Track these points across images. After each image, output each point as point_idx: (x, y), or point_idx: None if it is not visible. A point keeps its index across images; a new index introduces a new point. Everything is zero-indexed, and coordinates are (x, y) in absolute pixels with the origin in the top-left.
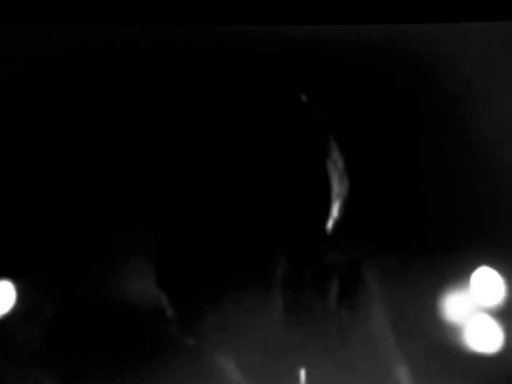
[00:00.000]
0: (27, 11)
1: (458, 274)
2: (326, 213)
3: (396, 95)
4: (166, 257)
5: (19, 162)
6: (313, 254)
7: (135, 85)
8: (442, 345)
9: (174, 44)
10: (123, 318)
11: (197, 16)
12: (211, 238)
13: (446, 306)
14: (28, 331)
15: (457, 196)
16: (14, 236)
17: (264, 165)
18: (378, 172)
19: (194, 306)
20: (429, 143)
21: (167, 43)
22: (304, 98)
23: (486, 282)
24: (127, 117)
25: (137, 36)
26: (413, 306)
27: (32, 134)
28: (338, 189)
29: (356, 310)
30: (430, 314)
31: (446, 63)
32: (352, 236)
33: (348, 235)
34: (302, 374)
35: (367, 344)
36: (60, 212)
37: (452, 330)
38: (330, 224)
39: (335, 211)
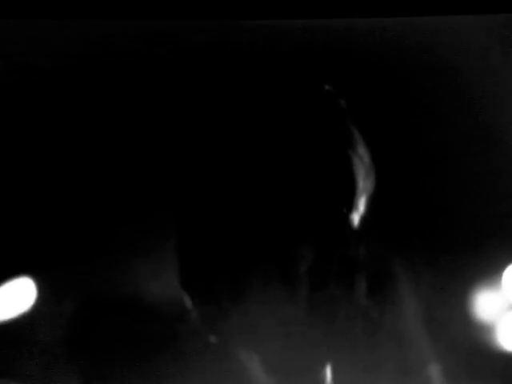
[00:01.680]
0: (28, 7)
1: (488, 272)
2: (351, 208)
3: (415, 91)
4: (188, 258)
5: (39, 163)
6: (338, 249)
7: (159, 80)
8: (472, 343)
9: (197, 39)
10: (147, 317)
11: (217, 10)
12: (233, 234)
13: (476, 304)
14: (49, 329)
15: (486, 193)
16: (35, 234)
17: (288, 159)
18: (405, 169)
19: (217, 304)
20: (458, 142)
21: (189, 38)
22: (330, 93)
23: None
24: (150, 113)
25: (163, 30)
26: (443, 304)
27: (51, 132)
28: (364, 184)
29: (384, 307)
30: (460, 311)
31: (462, 56)
32: (380, 232)
33: (376, 232)
34: (328, 371)
35: (396, 341)
36: (81, 210)
37: (483, 328)
38: (355, 219)
39: (361, 206)
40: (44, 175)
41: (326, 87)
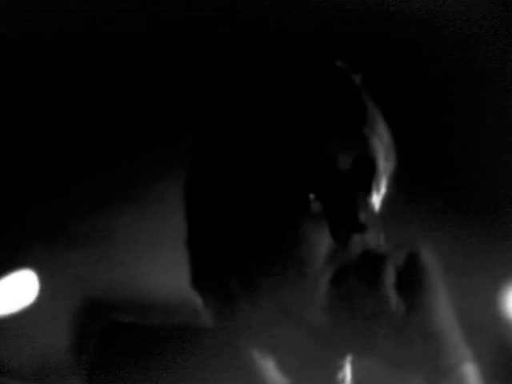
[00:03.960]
0: None
1: None
2: (371, 190)
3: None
4: (200, 254)
5: (41, 155)
6: (358, 238)
7: (167, 51)
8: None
9: (206, 8)
10: (156, 315)
11: None
12: (245, 228)
13: None
14: (51, 326)
15: None
16: (40, 229)
17: (302, 140)
18: (428, 147)
19: (230, 302)
20: (484, 125)
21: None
22: (343, 69)
23: None
24: (160, 95)
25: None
26: (478, 300)
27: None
28: (384, 164)
29: (412, 302)
30: (496, 308)
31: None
32: (404, 217)
33: (400, 216)
34: (348, 372)
35: (426, 340)
36: (88, 204)
37: None
38: (376, 203)
39: (382, 188)
40: (48, 169)
41: (339, 63)
